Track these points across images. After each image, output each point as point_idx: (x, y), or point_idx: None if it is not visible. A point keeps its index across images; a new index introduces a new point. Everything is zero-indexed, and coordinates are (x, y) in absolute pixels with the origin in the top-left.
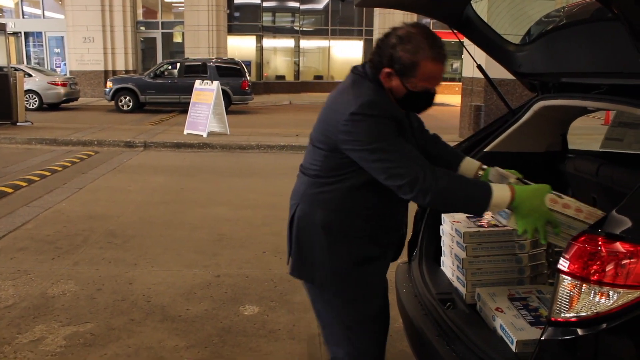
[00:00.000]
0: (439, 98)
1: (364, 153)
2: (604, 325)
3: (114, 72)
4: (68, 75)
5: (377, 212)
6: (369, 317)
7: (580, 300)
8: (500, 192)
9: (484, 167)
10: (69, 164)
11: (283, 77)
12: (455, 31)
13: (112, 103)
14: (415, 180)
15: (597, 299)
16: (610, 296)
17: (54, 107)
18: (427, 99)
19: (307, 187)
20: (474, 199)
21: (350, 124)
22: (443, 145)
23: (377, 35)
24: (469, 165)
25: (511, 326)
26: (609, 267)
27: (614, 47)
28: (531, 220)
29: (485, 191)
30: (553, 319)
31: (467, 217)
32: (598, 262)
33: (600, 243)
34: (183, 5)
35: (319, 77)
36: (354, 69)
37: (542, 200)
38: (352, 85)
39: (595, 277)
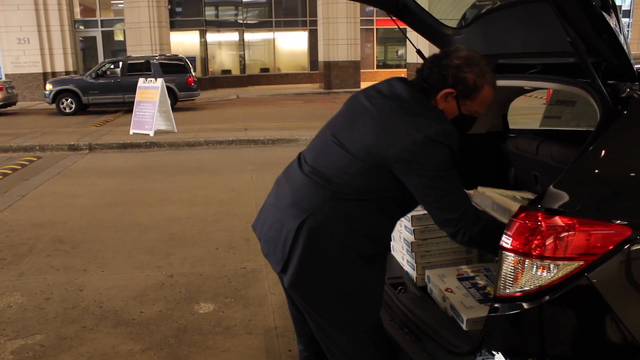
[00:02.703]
0: None
1: (424, 179)
2: (547, 298)
3: (54, 74)
4: (3, 78)
5: (386, 233)
6: (378, 326)
7: (524, 275)
8: None
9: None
10: (9, 172)
11: (229, 71)
12: (393, 18)
13: (54, 106)
14: (463, 216)
15: (539, 273)
16: (551, 269)
17: None
18: (470, 123)
19: (326, 196)
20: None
21: (421, 147)
22: None
23: (321, 25)
24: None
25: (461, 305)
26: (549, 241)
27: (545, 28)
28: None
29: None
30: (499, 295)
31: None
32: (539, 237)
33: (540, 218)
34: (122, 2)
35: (266, 70)
36: (410, 83)
37: None
38: (419, 104)
39: (536, 251)
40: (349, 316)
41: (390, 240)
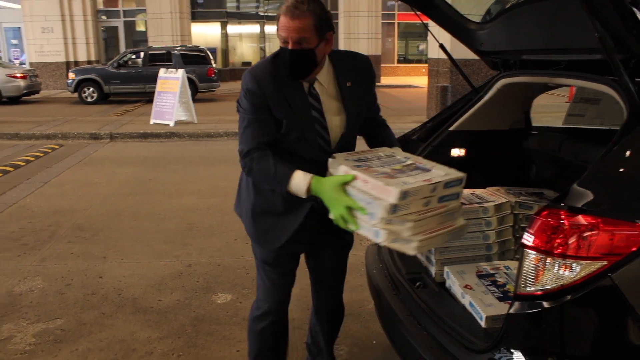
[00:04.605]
0: (405, 80)
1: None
2: (569, 297)
3: (76, 63)
4: (28, 67)
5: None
6: (264, 262)
7: (545, 273)
8: (297, 182)
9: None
10: (32, 159)
11: (249, 63)
12: (417, 12)
13: (76, 95)
14: (241, 153)
15: (561, 272)
16: (574, 268)
17: (14, 100)
18: (289, 57)
19: None
20: (276, 185)
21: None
22: (385, 134)
23: (342, 18)
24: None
25: (480, 302)
26: (572, 240)
27: (572, 23)
28: (334, 209)
29: (284, 181)
30: (519, 293)
31: None
32: (561, 236)
33: (563, 216)
34: None
35: None
36: None
37: (337, 191)
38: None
39: (558, 250)
40: (251, 238)
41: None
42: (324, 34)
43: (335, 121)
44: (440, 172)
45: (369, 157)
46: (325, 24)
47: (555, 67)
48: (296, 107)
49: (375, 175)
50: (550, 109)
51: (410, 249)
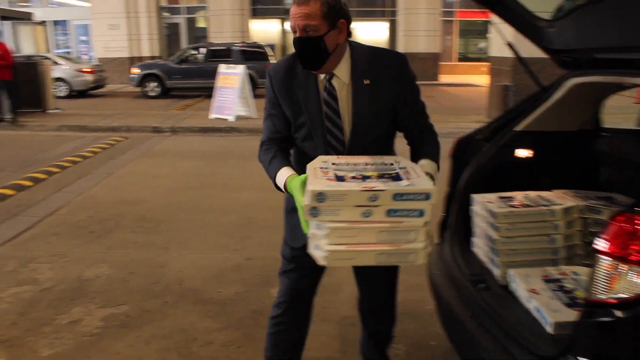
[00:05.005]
0: (465, 79)
1: None
2: None
3: (140, 59)
4: (96, 62)
5: (299, 169)
6: (283, 256)
7: (619, 281)
8: (279, 179)
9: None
10: (99, 150)
11: None
12: (483, 9)
13: (139, 89)
14: (260, 143)
15: (637, 280)
16: None
17: (82, 94)
18: (297, 45)
19: None
20: (269, 177)
21: None
22: (422, 141)
23: (401, 15)
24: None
25: (547, 308)
26: None
27: None
28: (298, 210)
29: (272, 176)
30: (591, 300)
31: (499, 198)
32: (638, 242)
33: (639, 222)
34: None
35: None
36: None
37: (298, 191)
38: None
39: (635, 257)
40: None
41: None
42: (335, 22)
43: (350, 121)
44: (403, 183)
45: (356, 162)
46: (336, 12)
47: (632, 66)
48: (306, 103)
49: (320, 177)
50: (617, 110)
51: (320, 259)
